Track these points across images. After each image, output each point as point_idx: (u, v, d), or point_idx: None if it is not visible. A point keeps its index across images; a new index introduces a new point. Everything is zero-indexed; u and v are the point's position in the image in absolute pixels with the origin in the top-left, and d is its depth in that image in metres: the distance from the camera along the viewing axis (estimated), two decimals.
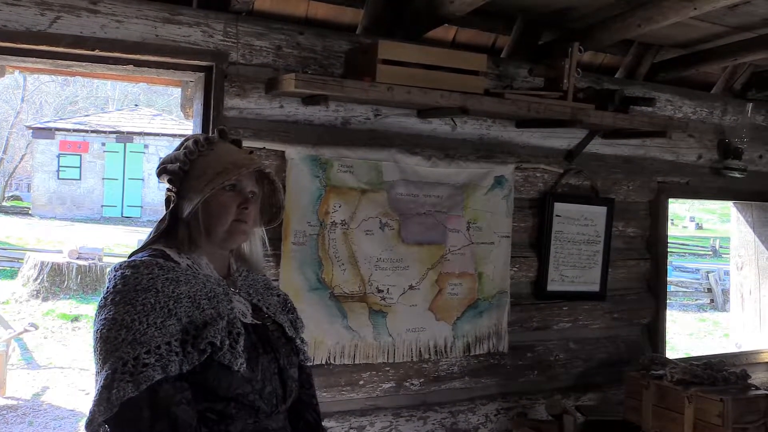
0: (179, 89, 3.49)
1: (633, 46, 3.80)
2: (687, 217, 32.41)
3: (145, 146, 23.56)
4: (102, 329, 1.52)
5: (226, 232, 1.72)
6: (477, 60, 2.93)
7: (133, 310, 1.52)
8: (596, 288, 3.72)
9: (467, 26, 3.41)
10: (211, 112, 2.76)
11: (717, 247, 23.22)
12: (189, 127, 3.17)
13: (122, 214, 23.16)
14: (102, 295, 1.61)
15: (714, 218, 32.65)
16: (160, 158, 1.83)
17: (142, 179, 23.47)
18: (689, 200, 7.26)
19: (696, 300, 14.90)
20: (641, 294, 3.94)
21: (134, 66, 2.71)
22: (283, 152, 2.89)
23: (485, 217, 3.35)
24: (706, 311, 14.11)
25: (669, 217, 4.13)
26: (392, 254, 3.13)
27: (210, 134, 1.79)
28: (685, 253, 22.62)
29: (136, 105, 27.67)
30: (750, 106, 4.20)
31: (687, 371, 3.32)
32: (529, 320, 3.56)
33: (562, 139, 3.57)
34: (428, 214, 3.21)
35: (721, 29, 3.49)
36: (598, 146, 3.68)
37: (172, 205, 1.72)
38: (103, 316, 1.54)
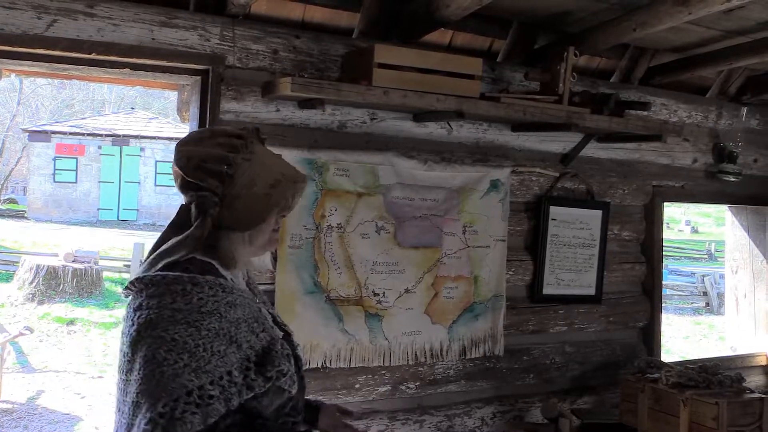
0: (176, 92, 3.48)
1: (628, 50, 3.81)
2: (683, 221, 32.45)
3: (142, 149, 23.55)
4: (159, 349, 1.40)
5: (267, 241, 1.67)
6: (473, 64, 2.93)
7: (198, 335, 1.43)
8: (592, 291, 3.73)
9: (463, 30, 3.42)
10: (208, 116, 2.76)
11: (712, 251, 23.27)
12: (185, 130, 3.16)
13: (118, 217, 23.14)
14: (147, 304, 1.46)
15: (710, 222, 32.71)
16: (182, 154, 1.59)
17: (138, 182, 23.46)
18: (684, 204, 7.27)
19: (691, 303, 14.92)
20: (637, 297, 3.94)
21: (131, 69, 2.72)
22: (280, 155, 2.88)
23: (481, 221, 3.36)
24: (701, 314, 14.12)
25: (664, 221, 4.14)
26: (388, 257, 3.13)
27: (245, 132, 1.64)
28: (680, 256, 22.67)
29: (132, 108, 27.66)
30: (745, 110, 4.21)
31: (682, 374, 3.33)
32: (524, 323, 3.56)
33: (557, 143, 3.58)
34: (424, 217, 3.22)
35: (715, 33, 3.51)
36: (594, 150, 3.69)
37: (215, 211, 1.55)
38: (160, 334, 1.41)
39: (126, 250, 14.89)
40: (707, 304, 14.81)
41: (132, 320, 1.46)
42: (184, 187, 1.59)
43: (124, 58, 2.64)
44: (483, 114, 3.02)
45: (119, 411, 1.49)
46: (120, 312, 10.52)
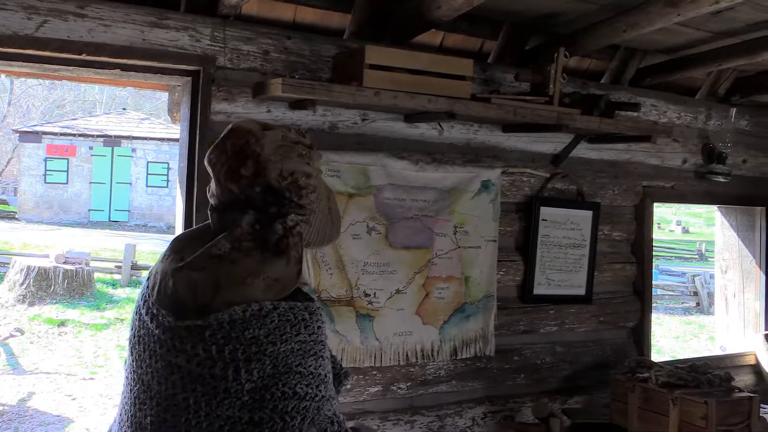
0: (167, 93, 3.48)
1: (618, 51, 3.83)
2: (674, 221, 32.63)
3: (133, 150, 23.51)
4: (298, 384, 1.37)
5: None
6: (464, 65, 2.94)
7: (324, 364, 1.45)
8: (582, 291, 3.75)
9: (454, 31, 3.43)
10: (198, 117, 2.76)
11: (703, 251, 23.40)
12: (176, 131, 3.16)
13: (109, 218, 23.09)
14: (268, 337, 1.36)
15: (700, 222, 32.89)
16: (266, 166, 1.42)
17: (130, 183, 23.42)
18: (675, 204, 7.31)
19: (682, 303, 15.00)
20: (627, 297, 3.96)
21: (121, 70, 2.71)
22: None
23: (472, 221, 3.37)
24: (691, 314, 14.20)
25: (655, 221, 4.17)
26: (379, 258, 3.14)
27: (313, 141, 1.57)
28: (671, 256, 22.80)
29: (123, 109, 27.61)
30: (734, 111, 4.24)
31: (672, 374, 3.35)
32: (515, 324, 3.57)
33: (548, 144, 3.59)
34: (415, 218, 3.22)
35: (705, 35, 3.53)
36: (584, 151, 3.71)
37: (300, 231, 1.47)
38: (297, 369, 1.38)
39: (117, 251, 14.85)
40: (698, 303, 14.90)
41: (247, 353, 1.35)
42: (266, 201, 1.43)
43: (114, 59, 2.64)
44: (474, 115, 3.03)
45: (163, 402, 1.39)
46: (110, 313, 10.50)
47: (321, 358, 1.43)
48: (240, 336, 1.35)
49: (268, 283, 1.40)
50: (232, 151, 1.44)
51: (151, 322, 1.43)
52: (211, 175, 1.49)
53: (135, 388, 1.45)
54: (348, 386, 1.65)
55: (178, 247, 1.50)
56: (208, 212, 1.52)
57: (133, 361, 1.48)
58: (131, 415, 1.45)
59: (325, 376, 1.43)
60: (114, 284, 12.63)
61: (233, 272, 1.39)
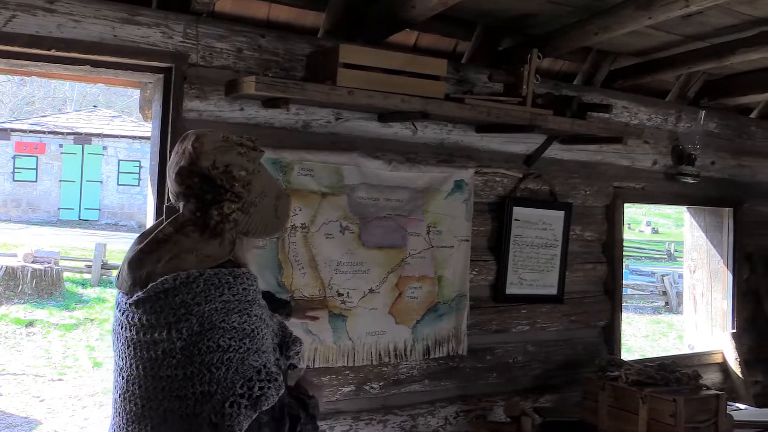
0: (138, 90, 3.44)
1: (591, 53, 3.87)
2: (643, 222, 33.02)
3: (104, 148, 23.20)
4: (221, 338, 1.52)
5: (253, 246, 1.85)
6: (437, 65, 2.95)
7: (250, 321, 1.58)
8: (554, 291, 3.78)
9: (428, 31, 3.44)
10: (171, 114, 2.74)
11: (672, 251, 23.72)
12: (148, 129, 3.13)
13: (79, 216, 22.76)
14: (194, 299, 1.54)
15: (669, 223, 33.34)
16: (205, 158, 1.62)
17: (101, 181, 23.10)
18: (645, 205, 7.41)
19: (651, 302, 15.20)
20: (598, 297, 4.00)
21: (92, 66, 2.67)
22: None
23: (445, 221, 3.38)
24: (660, 313, 14.40)
25: (626, 222, 4.21)
26: (352, 258, 3.13)
27: (257, 143, 1.74)
28: (641, 256, 23.08)
29: (94, 106, 27.23)
30: (703, 113, 4.31)
31: (641, 372, 3.40)
32: (488, 323, 3.59)
33: (521, 144, 3.62)
34: (388, 217, 3.22)
35: (675, 38, 3.58)
36: (557, 151, 3.74)
37: (237, 215, 1.66)
38: (219, 325, 1.53)
39: (87, 250, 14.65)
40: (667, 303, 15.11)
41: (177, 315, 1.53)
42: (201, 189, 1.63)
43: (85, 55, 2.60)
44: (448, 115, 3.04)
45: (137, 408, 1.57)
46: (80, 313, 10.36)
47: (246, 315, 1.57)
48: (172, 301, 1.54)
49: (201, 258, 1.60)
50: (179, 150, 1.67)
51: (116, 309, 1.67)
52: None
53: (114, 374, 1.67)
54: (298, 350, 1.80)
55: (138, 239, 1.71)
56: (164, 208, 1.72)
57: (114, 351, 1.69)
58: (113, 399, 1.66)
59: (252, 330, 1.56)
60: (84, 284, 12.47)
61: (172, 250, 1.61)
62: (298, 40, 2.99)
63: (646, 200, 4.37)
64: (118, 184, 23.38)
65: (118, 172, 23.39)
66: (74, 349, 8.68)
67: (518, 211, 3.62)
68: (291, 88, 2.62)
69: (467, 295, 3.46)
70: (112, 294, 11.78)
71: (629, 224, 29.08)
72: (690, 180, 4.20)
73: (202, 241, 1.62)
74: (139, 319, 1.56)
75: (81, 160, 22.91)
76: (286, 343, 1.76)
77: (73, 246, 15.84)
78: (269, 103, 2.84)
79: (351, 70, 2.72)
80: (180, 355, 1.51)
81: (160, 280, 1.55)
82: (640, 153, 4.11)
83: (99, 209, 23.10)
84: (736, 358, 4.50)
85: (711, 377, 4.41)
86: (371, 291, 3.19)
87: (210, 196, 1.63)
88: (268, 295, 2.15)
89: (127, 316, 1.59)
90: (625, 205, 4.11)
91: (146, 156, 21.41)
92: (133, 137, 23.22)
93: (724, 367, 4.56)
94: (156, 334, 1.54)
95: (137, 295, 1.57)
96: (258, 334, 1.57)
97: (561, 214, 3.77)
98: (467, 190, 3.44)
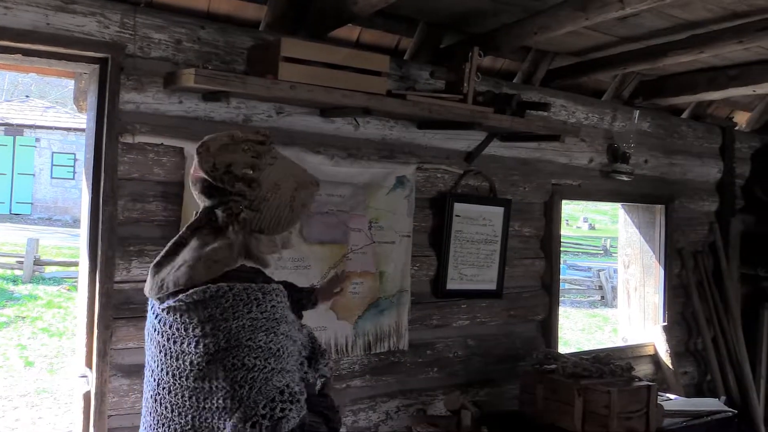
0: (73, 81, 3.34)
1: (530, 52, 3.93)
2: (581, 218, 33.80)
3: (37, 140, 22.46)
4: (246, 357, 1.54)
5: (289, 242, 1.84)
6: (380, 61, 2.95)
7: (276, 340, 1.59)
8: (493, 286, 3.83)
9: (371, 27, 3.43)
10: (106, 106, 2.66)
11: (608, 247, 24.34)
12: (83, 120, 3.04)
13: (11, 210, 21.99)
14: (223, 315, 1.56)
15: (606, 219, 34.21)
16: (206, 160, 1.66)
17: (33, 174, 22.36)
18: (582, 201, 7.57)
19: (588, 297, 15.57)
20: (536, 292, 4.08)
21: (23, 55, 2.58)
22: (182, 149, 2.82)
23: (387, 217, 3.39)
24: (596, 307, 14.76)
25: (564, 218, 4.30)
26: (294, 253, 3.11)
27: (266, 137, 1.73)
28: (578, 252, 23.62)
29: (27, 96, 26.32)
30: (637, 113, 4.43)
31: (577, 365, 3.48)
32: (428, 318, 3.62)
33: (462, 141, 3.65)
34: (330, 213, 3.22)
35: (611, 39, 3.67)
36: (497, 148, 3.79)
37: (246, 214, 1.66)
38: (245, 343, 1.55)
39: (19, 245, 14.16)
40: (602, 297, 15.50)
41: (204, 330, 1.55)
42: (209, 192, 1.67)
43: (16, 43, 2.50)
44: (390, 111, 3.05)
45: (167, 411, 1.62)
46: (11, 311, 10.01)
47: (273, 334, 1.58)
48: (201, 314, 1.56)
49: (208, 265, 1.61)
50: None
51: (150, 310, 1.73)
52: None
53: (146, 372, 1.75)
54: (327, 362, 1.84)
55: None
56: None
57: (146, 350, 1.75)
58: (145, 398, 1.73)
59: (278, 350, 1.57)
60: (15, 280, 12.05)
61: (185, 255, 1.65)
62: (239, 32, 2.95)
63: (583, 197, 4.47)
64: (52, 177, 22.67)
65: (52, 165, 22.68)
66: (5, 347, 8.38)
67: (459, 207, 3.66)
68: (232, 82, 2.58)
69: (408, 290, 3.48)
70: (44, 291, 11.43)
71: (567, 220, 29.73)
72: (624, 177, 4.32)
73: (212, 247, 1.64)
74: (170, 326, 1.61)
75: (12, 151, 22.13)
76: (315, 355, 1.80)
77: (3, 241, 15.29)
78: (209, 96, 2.79)
79: (293, 64, 2.69)
80: (206, 369, 1.55)
81: (191, 290, 1.58)
82: (577, 151, 4.20)
83: (31, 203, 22.37)
84: (667, 350, 4.65)
85: (643, 369, 4.55)
86: (312, 287, 3.17)
87: (216, 199, 1.66)
88: (289, 286, 2.12)
89: (160, 320, 1.65)
90: (563, 201, 4.19)
91: (81, 148, 20.82)
92: (68, 129, 22.55)
93: (655, 359, 4.71)
94: (185, 345, 1.58)
95: (168, 303, 1.61)
96: (283, 353, 1.58)
97: (500, 210, 3.82)
98: (409, 186, 3.45)
